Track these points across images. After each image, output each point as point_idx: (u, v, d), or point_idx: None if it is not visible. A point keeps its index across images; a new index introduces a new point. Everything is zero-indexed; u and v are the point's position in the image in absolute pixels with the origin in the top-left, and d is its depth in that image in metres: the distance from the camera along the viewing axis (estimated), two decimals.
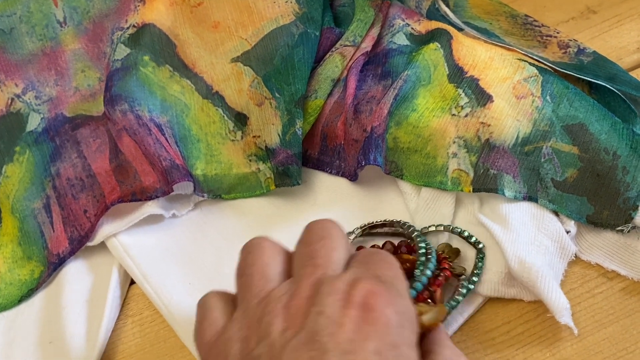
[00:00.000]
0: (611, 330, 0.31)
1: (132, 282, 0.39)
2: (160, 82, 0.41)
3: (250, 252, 0.30)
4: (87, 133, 0.42)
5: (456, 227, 0.35)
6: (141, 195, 0.38)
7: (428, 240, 0.33)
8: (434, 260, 0.31)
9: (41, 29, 0.44)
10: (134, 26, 0.42)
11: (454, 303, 0.31)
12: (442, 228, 0.35)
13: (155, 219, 0.39)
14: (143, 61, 0.41)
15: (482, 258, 0.33)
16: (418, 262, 0.32)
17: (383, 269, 0.26)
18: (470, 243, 0.34)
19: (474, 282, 0.32)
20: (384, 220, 0.36)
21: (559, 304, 0.31)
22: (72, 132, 0.42)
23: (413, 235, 0.33)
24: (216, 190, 0.40)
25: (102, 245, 0.39)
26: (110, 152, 0.41)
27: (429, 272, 0.31)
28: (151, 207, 0.39)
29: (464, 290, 0.32)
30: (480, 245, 0.34)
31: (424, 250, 0.32)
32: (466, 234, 0.34)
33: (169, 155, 0.38)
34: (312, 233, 0.29)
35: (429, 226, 0.35)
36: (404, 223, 0.35)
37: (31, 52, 0.44)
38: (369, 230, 0.36)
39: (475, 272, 0.32)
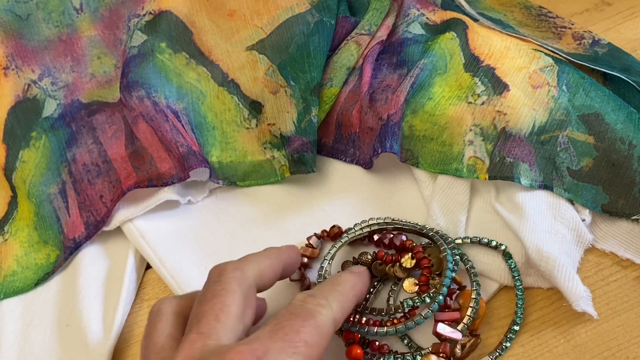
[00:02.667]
0: (625, 317, 0.31)
1: (148, 267, 0.39)
2: (177, 69, 0.41)
3: (149, 321, 0.28)
4: (102, 119, 0.42)
5: (483, 239, 0.34)
6: (157, 181, 0.39)
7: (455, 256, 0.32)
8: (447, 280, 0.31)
9: (57, 16, 0.44)
10: (150, 13, 0.42)
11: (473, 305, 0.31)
12: (468, 240, 0.34)
13: (171, 205, 0.40)
14: (160, 48, 0.41)
15: (510, 258, 0.33)
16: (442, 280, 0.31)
17: (293, 341, 0.24)
18: (493, 248, 0.34)
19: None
20: (415, 223, 0.35)
21: (577, 292, 0.31)
22: (88, 118, 0.42)
23: (442, 249, 0.32)
24: (231, 178, 0.40)
25: (118, 230, 0.39)
26: (126, 138, 0.41)
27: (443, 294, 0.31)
28: (167, 193, 0.39)
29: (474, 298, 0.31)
30: (503, 248, 0.34)
31: (450, 272, 0.31)
32: (490, 241, 0.34)
33: (185, 142, 0.39)
34: (206, 288, 0.27)
35: (456, 239, 0.34)
36: (437, 232, 0.34)
37: (47, 39, 0.44)
38: (394, 226, 0.36)
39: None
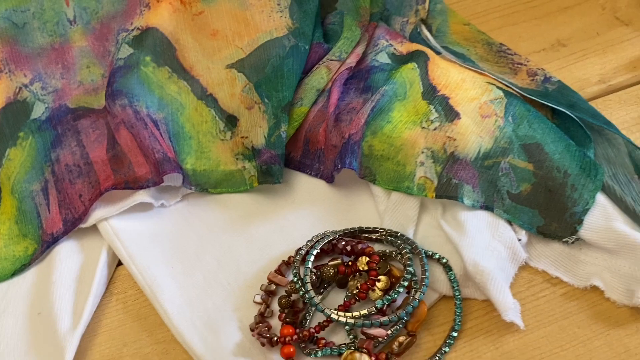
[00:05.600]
0: (550, 329, 0.34)
1: (119, 264, 0.42)
2: (159, 81, 0.45)
3: None
4: (87, 124, 0.45)
5: (428, 251, 0.37)
6: (133, 184, 0.42)
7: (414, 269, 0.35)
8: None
9: (52, 26, 0.47)
10: (138, 29, 0.46)
11: (409, 308, 0.34)
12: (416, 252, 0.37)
13: (144, 207, 0.43)
14: (144, 61, 0.44)
15: (450, 270, 0.36)
16: (398, 287, 0.34)
17: None
18: (435, 260, 0.37)
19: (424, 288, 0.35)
20: (378, 228, 0.39)
21: (506, 304, 0.34)
22: (73, 122, 0.45)
23: (405, 257, 0.36)
24: (203, 185, 0.43)
25: (94, 228, 0.42)
26: (108, 143, 0.44)
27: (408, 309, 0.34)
28: (142, 196, 0.42)
29: (418, 296, 0.34)
30: (444, 260, 0.37)
31: (407, 282, 0.35)
32: (433, 254, 0.37)
33: (162, 149, 0.42)
34: None
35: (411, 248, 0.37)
36: (403, 236, 0.37)
37: (41, 47, 0.47)
38: (358, 233, 0.39)
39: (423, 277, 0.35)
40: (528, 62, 0.47)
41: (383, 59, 0.46)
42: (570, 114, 0.42)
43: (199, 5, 0.47)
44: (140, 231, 0.42)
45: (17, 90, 0.46)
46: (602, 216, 0.36)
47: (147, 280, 0.39)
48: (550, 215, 0.37)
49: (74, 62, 0.47)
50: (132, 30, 0.46)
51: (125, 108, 0.43)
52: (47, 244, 0.42)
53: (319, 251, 0.38)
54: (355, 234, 0.39)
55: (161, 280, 0.39)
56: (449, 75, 0.43)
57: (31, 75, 0.46)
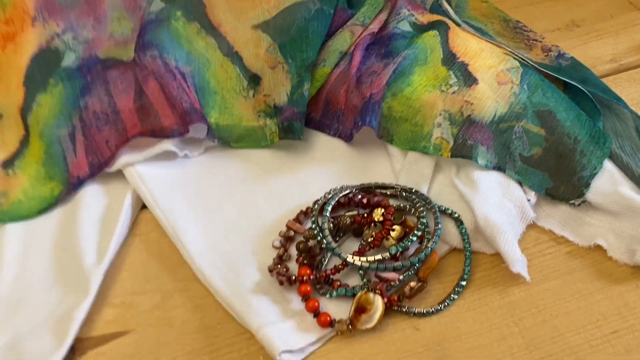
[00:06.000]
0: (554, 283, 0.36)
1: (142, 208, 0.44)
2: (189, 36, 0.46)
3: None
4: (116, 75, 0.46)
5: (441, 206, 0.39)
6: (160, 134, 0.43)
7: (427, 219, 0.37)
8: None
9: None
10: None
11: (422, 255, 0.36)
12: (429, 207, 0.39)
13: (169, 157, 0.44)
14: (175, 16, 0.46)
15: (461, 224, 0.38)
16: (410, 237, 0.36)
17: None
18: (448, 215, 0.39)
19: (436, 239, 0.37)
20: (394, 184, 0.40)
21: (514, 256, 0.36)
22: (103, 72, 0.46)
23: (419, 210, 0.38)
24: (226, 139, 0.45)
25: (119, 174, 0.44)
26: (135, 94, 0.45)
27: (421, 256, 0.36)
28: (167, 145, 0.44)
29: (430, 245, 0.36)
30: (456, 215, 0.39)
31: (420, 232, 0.37)
32: (446, 209, 0.39)
33: (189, 99, 0.43)
34: None
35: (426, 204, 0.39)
36: (417, 192, 0.39)
37: None
38: (374, 188, 0.41)
39: (436, 229, 0.37)
40: (543, 38, 0.49)
41: (405, 27, 0.48)
42: (582, 87, 0.43)
43: None
44: (165, 178, 0.44)
45: (50, 38, 0.47)
46: (608, 181, 0.38)
47: (170, 222, 0.41)
48: (559, 178, 0.39)
49: (105, 15, 0.48)
50: None
51: (155, 59, 0.44)
52: (72, 186, 0.44)
53: (336, 203, 0.39)
54: (371, 189, 0.41)
55: (184, 223, 0.41)
56: (468, 45, 0.45)
57: (63, 25, 0.48)
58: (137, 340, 0.36)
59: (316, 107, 0.46)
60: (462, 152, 0.40)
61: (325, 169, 0.44)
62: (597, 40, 0.50)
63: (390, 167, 0.43)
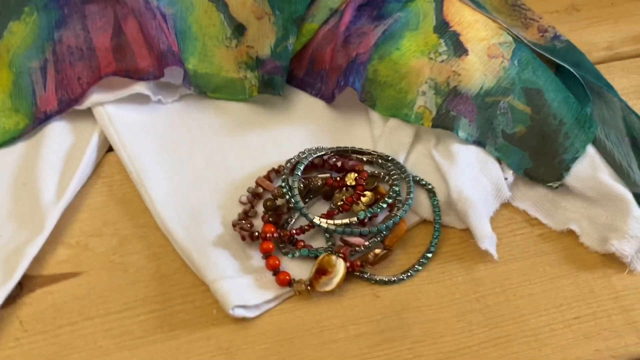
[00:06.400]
0: (522, 264, 0.35)
1: (109, 150, 0.42)
2: None
3: None
4: (95, 10, 0.44)
5: (415, 176, 0.38)
6: (134, 74, 0.41)
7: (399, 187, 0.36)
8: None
9: None
10: None
11: (390, 222, 0.35)
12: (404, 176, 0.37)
13: (141, 100, 0.43)
14: None
15: (434, 196, 0.37)
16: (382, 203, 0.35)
17: None
18: (422, 185, 0.38)
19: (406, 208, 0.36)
20: (371, 150, 0.39)
21: (483, 232, 0.35)
22: (81, 5, 0.44)
23: (392, 178, 0.37)
24: (203, 87, 0.43)
25: (87, 113, 0.42)
26: (113, 32, 0.43)
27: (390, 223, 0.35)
28: (140, 87, 0.42)
29: (399, 214, 0.35)
30: (430, 187, 0.38)
31: (391, 200, 0.36)
32: (420, 180, 0.38)
33: (167, 41, 0.41)
34: None
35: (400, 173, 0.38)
36: (394, 160, 0.38)
37: None
38: (350, 153, 0.39)
39: (407, 198, 0.36)
40: (540, 18, 0.47)
41: None
42: (573, 71, 0.42)
43: None
44: (135, 121, 0.42)
45: None
46: (589, 166, 0.37)
47: (135, 166, 0.39)
48: (539, 159, 0.38)
49: None
50: None
51: None
52: (39, 120, 0.42)
53: (309, 163, 0.38)
54: (347, 153, 0.40)
55: (150, 169, 0.39)
56: (463, 15, 0.43)
57: None
58: (88, 283, 0.35)
59: (300, 65, 0.44)
60: (444, 122, 0.39)
61: (303, 128, 0.42)
62: (594, 27, 0.49)
63: (370, 133, 0.41)
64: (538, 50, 0.43)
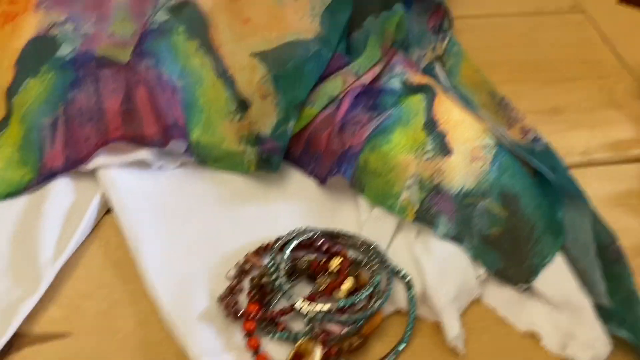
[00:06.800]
0: None
1: (108, 212, 0.44)
2: (187, 52, 0.47)
3: None
4: (108, 74, 0.47)
5: (395, 266, 0.40)
6: (140, 140, 0.44)
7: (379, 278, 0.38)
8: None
9: None
10: None
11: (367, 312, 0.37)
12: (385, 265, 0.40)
13: (143, 165, 0.45)
14: (178, 30, 0.47)
15: (410, 289, 0.39)
16: (362, 293, 0.37)
17: None
18: (400, 276, 0.40)
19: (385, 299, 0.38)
20: (356, 235, 0.41)
21: (453, 329, 0.37)
22: (96, 69, 0.47)
23: (374, 267, 0.39)
24: (204, 157, 0.46)
25: (91, 174, 0.44)
26: (124, 97, 0.46)
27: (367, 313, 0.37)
28: (145, 154, 0.44)
29: (377, 305, 0.38)
30: (408, 279, 0.40)
31: (371, 290, 0.38)
32: (399, 271, 0.40)
33: (174, 116, 0.44)
34: None
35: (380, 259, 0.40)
36: (376, 248, 0.40)
37: None
38: (336, 235, 0.42)
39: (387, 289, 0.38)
40: (524, 119, 0.51)
41: (395, 84, 0.49)
42: (549, 176, 0.45)
43: None
44: (136, 186, 0.44)
45: (50, 26, 0.48)
46: (555, 273, 0.40)
47: (132, 232, 0.41)
48: (510, 261, 0.41)
49: (110, 13, 0.49)
50: None
51: (149, 69, 0.45)
52: (43, 176, 0.44)
53: (297, 243, 0.41)
54: (334, 236, 0.42)
55: (145, 236, 0.41)
56: (451, 114, 0.47)
57: (66, 15, 0.48)
58: (76, 345, 0.37)
59: (297, 144, 0.47)
60: (425, 218, 0.41)
61: (295, 206, 0.45)
62: (573, 131, 0.52)
63: (357, 217, 0.44)
64: (518, 151, 0.47)
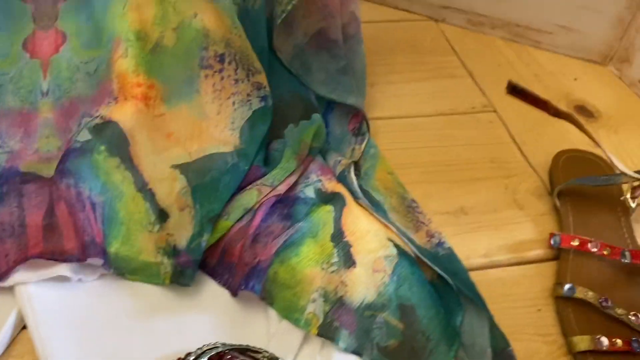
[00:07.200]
0: None
1: (24, 327, 0.45)
2: (107, 169, 0.50)
3: None
4: (32, 189, 0.49)
5: None
6: (59, 256, 0.46)
7: None
8: None
9: (25, 93, 0.52)
10: (101, 117, 0.51)
11: None
12: None
13: (63, 279, 0.47)
14: (99, 150, 0.49)
15: None
16: None
17: None
18: None
19: None
20: (263, 350, 0.43)
21: None
22: (20, 185, 0.49)
23: None
24: (121, 269, 0.48)
25: (9, 289, 0.46)
26: (47, 211, 0.48)
27: None
28: (63, 269, 0.46)
29: None
30: None
31: None
32: None
33: (92, 232, 0.46)
34: None
35: None
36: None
37: (10, 108, 0.52)
38: (245, 350, 0.44)
39: None
40: (430, 222, 0.55)
41: (310, 193, 0.53)
42: (450, 282, 0.48)
43: (162, 108, 0.53)
44: (53, 302, 0.46)
45: None
46: None
47: (45, 351, 0.43)
48: None
49: (35, 130, 0.52)
50: (96, 117, 0.51)
51: (69, 188, 0.47)
52: None
53: (206, 359, 0.42)
54: (242, 351, 0.44)
55: (57, 352, 0.43)
56: (358, 224, 0.50)
57: None
58: None
59: (212, 254, 0.49)
60: (327, 332, 0.44)
61: (207, 319, 0.47)
62: (477, 232, 0.56)
63: (267, 329, 0.46)
64: (422, 257, 0.50)
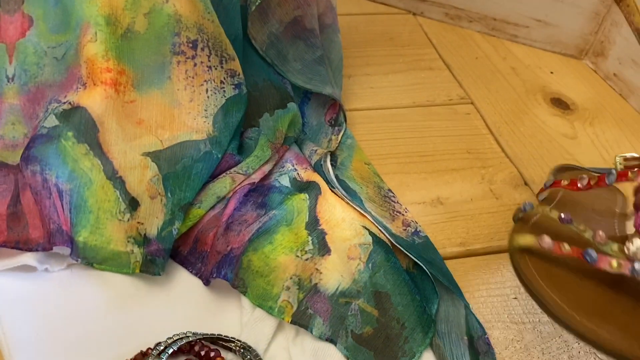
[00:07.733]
0: None
1: None
2: (75, 156, 0.48)
3: None
4: None
5: None
6: (24, 245, 0.44)
7: None
8: None
9: None
10: (69, 103, 0.49)
11: None
12: None
13: (28, 269, 0.45)
14: (66, 135, 0.48)
15: None
16: None
17: None
18: None
19: None
20: (235, 339, 0.43)
21: None
22: None
23: None
24: (90, 259, 0.46)
25: None
26: (11, 199, 0.46)
27: None
28: (28, 258, 0.44)
29: None
30: None
31: None
32: None
33: (58, 220, 0.45)
34: None
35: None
36: (254, 351, 0.42)
37: None
38: (216, 339, 0.43)
39: None
40: (406, 212, 0.54)
41: (284, 181, 0.52)
42: (426, 269, 0.48)
43: (132, 95, 0.51)
44: (18, 291, 0.44)
45: None
46: None
47: (8, 340, 0.41)
48: (382, 359, 0.43)
49: (0, 116, 0.50)
50: (64, 103, 0.49)
51: (35, 175, 0.46)
52: None
53: (175, 349, 0.41)
54: (214, 340, 0.43)
55: (22, 345, 0.41)
56: (333, 212, 0.49)
57: None
58: None
59: (185, 243, 0.48)
60: (301, 320, 0.43)
61: (177, 308, 0.46)
62: (453, 221, 0.56)
63: (240, 318, 0.45)
64: (398, 245, 0.49)
